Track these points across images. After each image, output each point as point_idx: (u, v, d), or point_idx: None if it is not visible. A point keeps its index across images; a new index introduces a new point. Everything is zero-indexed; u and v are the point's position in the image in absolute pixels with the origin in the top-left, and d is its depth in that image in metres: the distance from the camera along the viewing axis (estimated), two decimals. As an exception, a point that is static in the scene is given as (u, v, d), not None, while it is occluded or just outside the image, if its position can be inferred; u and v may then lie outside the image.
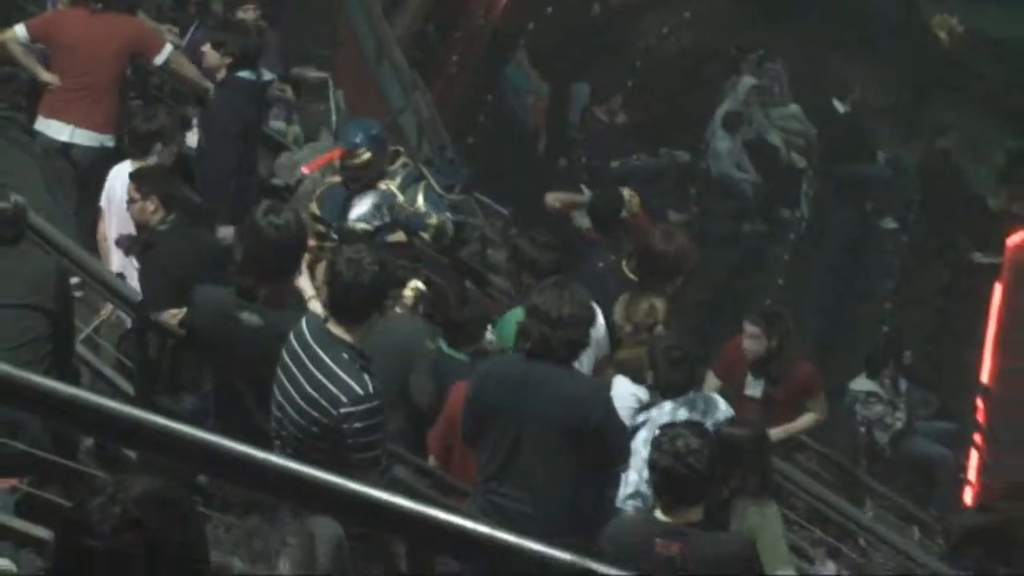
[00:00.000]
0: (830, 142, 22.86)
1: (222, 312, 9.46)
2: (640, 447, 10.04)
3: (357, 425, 8.39)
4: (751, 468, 10.42)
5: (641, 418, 10.55)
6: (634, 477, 10.19)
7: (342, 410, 8.25)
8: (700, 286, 17.50)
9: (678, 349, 10.92)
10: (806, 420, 13.37)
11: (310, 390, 8.56)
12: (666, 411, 10.49)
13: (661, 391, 10.55)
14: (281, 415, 8.81)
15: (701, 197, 21.65)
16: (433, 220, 12.84)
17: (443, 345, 11.38)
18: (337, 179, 13.07)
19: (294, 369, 8.72)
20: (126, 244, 11.93)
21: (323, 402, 8.36)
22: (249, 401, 9.25)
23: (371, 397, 8.36)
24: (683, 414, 10.43)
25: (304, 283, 11.24)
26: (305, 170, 14.00)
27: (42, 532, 8.07)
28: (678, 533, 8.61)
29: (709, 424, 10.37)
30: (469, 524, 4.63)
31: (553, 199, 14.00)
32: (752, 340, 13.00)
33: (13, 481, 9.19)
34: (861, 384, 17.39)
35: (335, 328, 8.61)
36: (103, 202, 12.49)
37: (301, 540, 7.03)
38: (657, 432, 9.49)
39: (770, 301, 18.37)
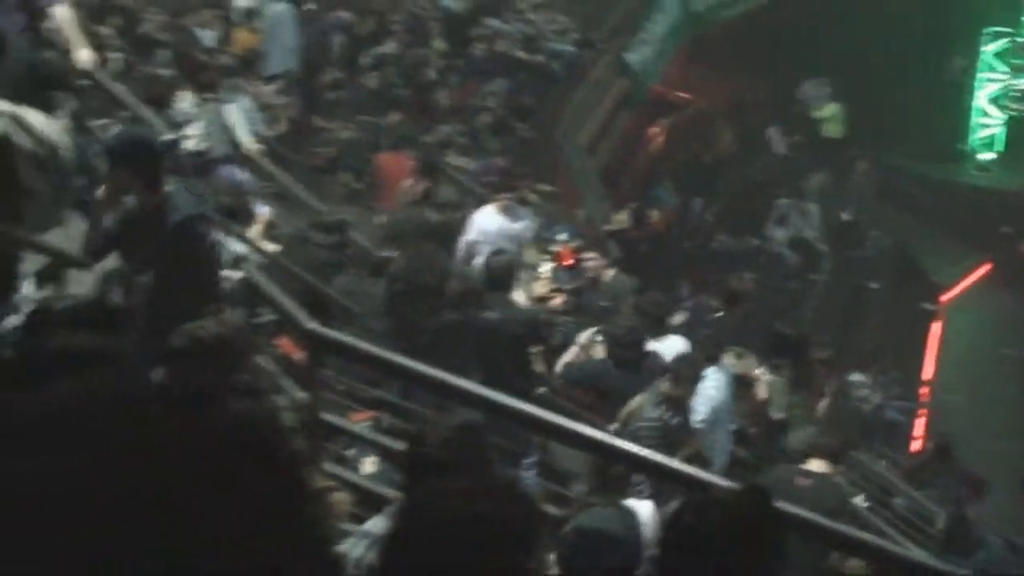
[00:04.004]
0: (839, 238, 24.07)
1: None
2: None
3: None
4: None
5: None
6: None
7: None
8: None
9: None
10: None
11: None
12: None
13: None
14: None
15: (765, 266, 22.24)
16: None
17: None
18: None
19: None
20: None
21: None
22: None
23: None
24: None
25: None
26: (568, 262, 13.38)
27: (398, 445, 7.51)
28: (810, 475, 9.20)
29: None
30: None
31: None
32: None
33: (373, 413, 9.51)
34: (855, 376, 19.08)
35: None
36: None
37: None
38: None
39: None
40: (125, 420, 1.00)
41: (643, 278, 15.15)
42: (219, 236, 8.11)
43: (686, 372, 10.26)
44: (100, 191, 7.78)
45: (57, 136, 7.71)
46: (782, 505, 6.24)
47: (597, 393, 10.70)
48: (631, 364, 10.74)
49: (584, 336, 11.47)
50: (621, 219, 17.00)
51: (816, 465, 9.39)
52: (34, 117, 7.59)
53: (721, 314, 12.81)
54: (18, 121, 7.47)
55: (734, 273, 15.28)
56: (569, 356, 11.41)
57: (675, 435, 10.08)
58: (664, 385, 10.16)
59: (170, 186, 7.67)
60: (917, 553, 9.01)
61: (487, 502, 2.98)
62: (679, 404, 10.19)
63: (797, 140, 25.66)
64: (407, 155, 14.25)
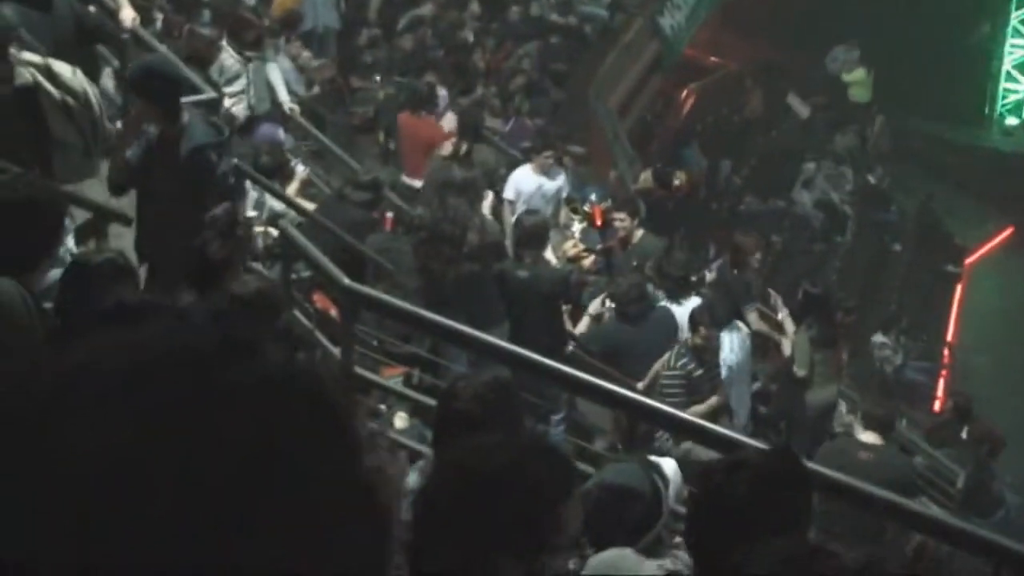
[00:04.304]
0: (864, 201, 24.13)
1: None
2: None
3: None
4: None
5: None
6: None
7: None
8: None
9: None
10: None
11: None
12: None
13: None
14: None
15: (791, 228, 22.59)
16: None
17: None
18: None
19: None
20: None
21: None
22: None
23: None
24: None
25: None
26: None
27: (429, 400, 7.74)
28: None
29: None
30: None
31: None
32: None
33: (404, 368, 9.58)
34: (878, 338, 19.51)
35: None
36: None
37: None
38: None
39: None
40: (191, 372, 1.02)
41: (670, 238, 15.10)
42: (229, 165, 8.01)
43: (705, 320, 10.29)
44: (120, 123, 7.91)
45: (87, 87, 7.60)
46: (847, 478, 6.57)
47: (611, 355, 10.67)
48: (637, 318, 10.73)
49: (593, 306, 11.49)
50: (647, 178, 16.82)
51: (870, 437, 9.40)
52: (62, 68, 7.48)
53: (735, 272, 12.70)
54: (47, 72, 7.39)
55: (747, 232, 14.90)
56: (581, 327, 11.44)
57: (699, 385, 10.21)
58: (687, 336, 10.22)
59: (187, 116, 7.69)
60: (937, 511, 9.05)
61: (519, 456, 3.01)
62: (702, 354, 10.24)
63: (821, 103, 25.45)
64: (426, 117, 14.29)
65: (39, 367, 1.06)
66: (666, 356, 10.28)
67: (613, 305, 11.11)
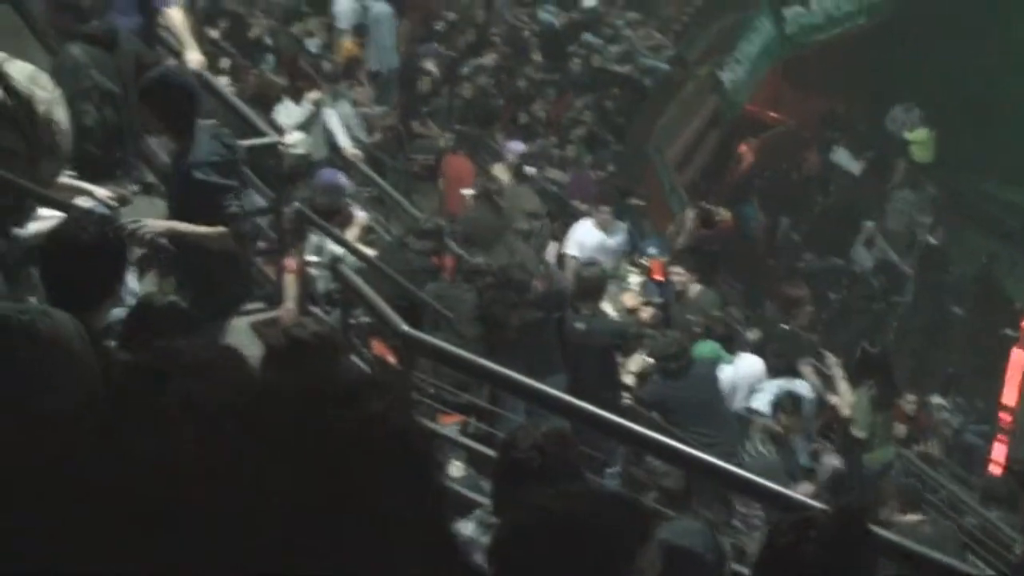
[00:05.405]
0: (924, 261, 23.58)
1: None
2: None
3: None
4: None
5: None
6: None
7: None
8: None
9: None
10: None
11: None
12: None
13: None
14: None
15: (849, 286, 22.22)
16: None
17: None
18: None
19: None
20: None
21: None
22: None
23: None
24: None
25: None
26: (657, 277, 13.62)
27: (486, 450, 7.89)
28: None
29: None
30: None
31: None
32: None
33: (461, 417, 9.54)
34: (935, 400, 19.02)
35: None
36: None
37: None
38: None
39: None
40: (298, 413, 1.05)
41: (714, 279, 15.01)
42: (235, 187, 7.38)
43: (788, 407, 10.30)
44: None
45: (44, 91, 6.75)
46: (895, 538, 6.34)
47: (658, 411, 10.72)
48: (678, 374, 10.71)
49: (635, 362, 11.48)
50: (691, 217, 16.79)
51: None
52: (19, 68, 6.73)
53: (787, 326, 12.68)
54: None
55: (798, 284, 15.30)
56: (628, 381, 11.37)
57: (777, 470, 10.11)
58: (766, 420, 10.26)
59: (198, 132, 7.32)
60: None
61: (597, 504, 3.02)
62: (782, 442, 10.26)
63: (873, 159, 25.37)
64: (470, 158, 14.47)
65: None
66: (748, 445, 10.27)
67: (653, 361, 11.10)
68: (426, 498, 1.13)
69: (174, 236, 6.93)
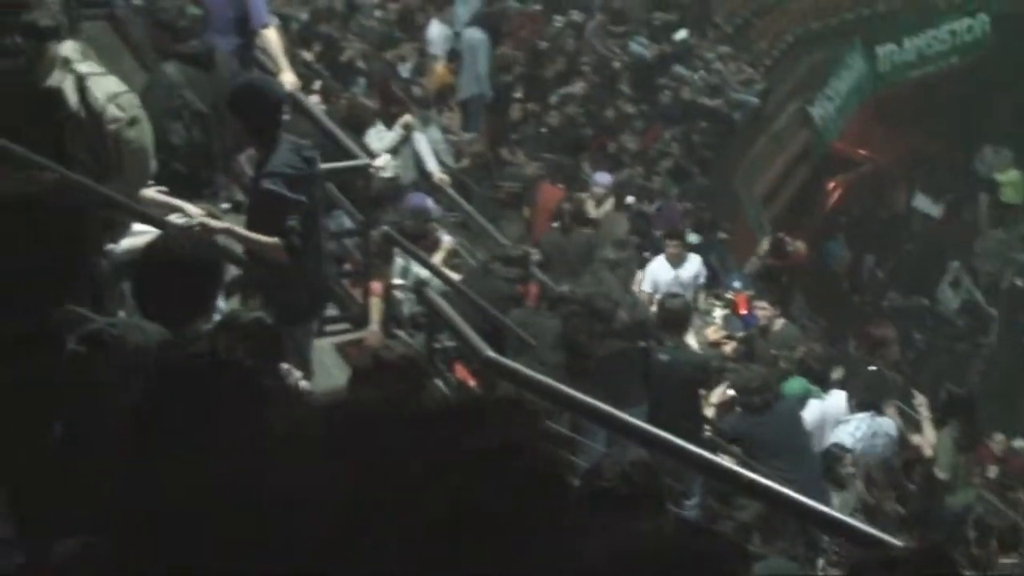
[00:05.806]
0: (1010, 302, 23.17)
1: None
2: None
3: None
4: None
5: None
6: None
7: None
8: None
9: None
10: None
11: None
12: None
13: None
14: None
15: (933, 326, 22.31)
16: None
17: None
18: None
19: None
20: None
21: None
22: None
23: None
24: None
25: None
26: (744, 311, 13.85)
27: None
28: None
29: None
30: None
31: None
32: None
33: None
34: (1020, 443, 17.53)
35: None
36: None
37: None
38: None
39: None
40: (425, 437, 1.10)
41: (785, 309, 14.84)
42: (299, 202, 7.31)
43: (880, 479, 10.40)
44: None
45: (121, 109, 6.80)
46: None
47: (741, 445, 10.63)
48: (761, 409, 10.55)
49: (716, 394, 11.43)
50: (764, 248, 16.73)
51: None
52: (104, 83, 6.81)
53: (874, 368, 12.38)
54: (80, 81, 6.77)
55: (884, 324, 14.65)
56: (709, 413, 11.35)
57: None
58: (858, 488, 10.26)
59: (281, 141, 7.37)
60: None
61: (691, 536, 2.95)
62: (875, 512, 10.31)
63: (951, 201, 25.03)
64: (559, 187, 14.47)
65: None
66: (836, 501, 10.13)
67: (735, 392, 11.01)
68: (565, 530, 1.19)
69: (229, 236, 7.09)
